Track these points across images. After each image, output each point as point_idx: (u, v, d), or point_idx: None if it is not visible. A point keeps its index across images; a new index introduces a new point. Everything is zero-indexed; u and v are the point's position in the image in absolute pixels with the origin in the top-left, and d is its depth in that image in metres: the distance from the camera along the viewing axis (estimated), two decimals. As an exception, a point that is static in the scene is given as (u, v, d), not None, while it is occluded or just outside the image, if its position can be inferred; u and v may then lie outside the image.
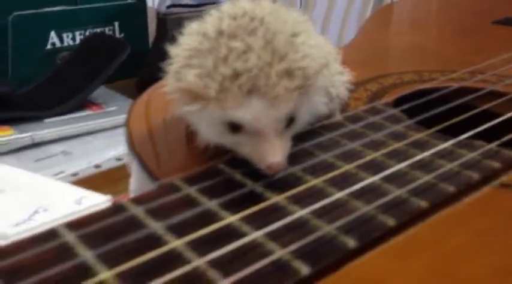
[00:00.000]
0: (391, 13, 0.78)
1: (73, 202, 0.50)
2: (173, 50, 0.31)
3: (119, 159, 0.64)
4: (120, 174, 0.64)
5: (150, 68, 0.90)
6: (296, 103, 0.28)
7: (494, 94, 0.43)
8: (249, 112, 0.27)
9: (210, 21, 0.30)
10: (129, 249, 0.22)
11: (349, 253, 0.24)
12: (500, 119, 0.36)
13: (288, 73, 0.27)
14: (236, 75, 0.27)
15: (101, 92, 0.78)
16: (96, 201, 0.48)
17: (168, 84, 0.31)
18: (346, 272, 0.23)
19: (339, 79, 0.35)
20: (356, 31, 0.70)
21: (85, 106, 0.73)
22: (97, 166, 0.62)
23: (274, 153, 0.27)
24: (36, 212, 0.49)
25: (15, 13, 0.77)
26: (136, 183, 0.34)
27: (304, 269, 0.22)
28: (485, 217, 0.27)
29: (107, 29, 0.87)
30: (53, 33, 0.81)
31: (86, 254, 0.22)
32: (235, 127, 0.28)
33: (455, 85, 0.44)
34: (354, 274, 0.23)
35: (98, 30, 0.86)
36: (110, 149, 0.65)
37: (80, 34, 0.84)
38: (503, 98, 0.42)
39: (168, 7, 0.90)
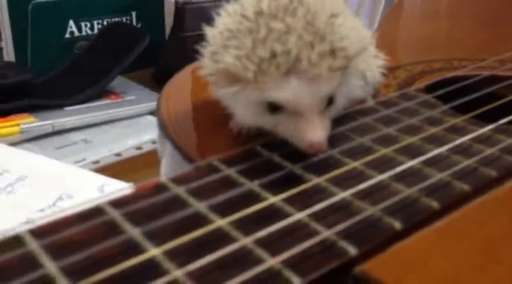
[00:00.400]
0: (417, 2, 0.77)
1: (95, 189, 0.50)
2: (210, 31, 0.30)
3: (138, 148, 0.64)
4: (140, 163, 0.64)
5: (168, 59, 0.90)
6: (336, 84, 0.28)
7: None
8: (289, 91, 0.27)
9: (248, 1, 0.30)
10: (175, 228, 0.22)
11: (395, 234, 0.23)
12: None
13: (330, 54, 0.27)
14: (274, 55, 0.27)
15: (118, 82, 0.78)
16: (118, 188, 0.48)
17: (205, 66, 0.30)
18: (393, 252, 0.22)
19: (374, 63, 0.35)
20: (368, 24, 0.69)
21: (104, 95, 0.73)
22: (117, 154, 0.61)
23: (315, 132, 0.27)
24: (60, 198, 0.49)
25: (34, 1, 0.77)
26: (169, 168, 0.34)
27: (352, 250, 0.22)
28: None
29: (124, 19, 0.87)
30: (71, 22, 0.81)
31: (133, 231, 0.22)
32: (274, 108, 0.28)
33: (486, 73, 0.44)
34: (400, 254, 0.22)
35: (116, 19, 0.85)
36: (129, 138, 0.65)
37: (98, 23, 0.84)
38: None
39: (186, -3, 0.89)
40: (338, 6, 0.30)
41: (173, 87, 0.41)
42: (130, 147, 0.63)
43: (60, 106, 0.68)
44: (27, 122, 0.63)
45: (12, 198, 0.48)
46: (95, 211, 0.23)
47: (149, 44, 0.78)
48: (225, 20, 0.30)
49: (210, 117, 0.35)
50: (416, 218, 0.24)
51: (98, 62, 0.77)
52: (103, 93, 0.73)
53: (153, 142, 0.62)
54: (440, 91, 0.38)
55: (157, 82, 0.83)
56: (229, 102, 0.31)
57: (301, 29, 0.27)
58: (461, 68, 0.46)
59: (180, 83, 0.43)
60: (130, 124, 0.69)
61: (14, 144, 0.60)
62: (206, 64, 0.30)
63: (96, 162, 0.59)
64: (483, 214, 0.26)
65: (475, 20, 0.66)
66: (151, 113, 0.71)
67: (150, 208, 0.23)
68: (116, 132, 0.67)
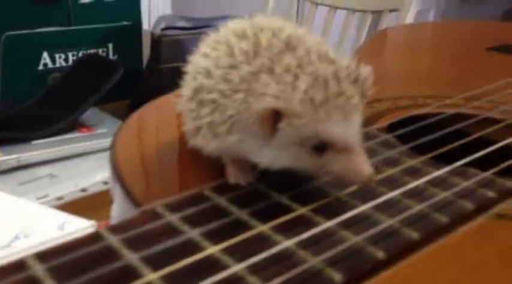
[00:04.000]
0: (387, 39, 0.78)
1: (55, 227, 0.49)
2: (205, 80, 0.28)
3: (106, 183, 0.62)
4: (107, 199, 0.62)
5: (144, 90, 0.89)
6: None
7: (489, 121, 0.42)
8: (339, 127, 0.26)
9: (232, 41, 0.29)
10: (102, 282, 0.21)
11: (337, 287, 0.22)
12: (496, 147, 0.35)
13: (354, 81, 0.27)
14: (318, 89, 0.25)
15: (92, 114, 0.77)
16: (80, 226, 0.46)
17: (188, 116, 0.29)
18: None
19: None
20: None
21: (75, 128, 0.72)
22: (83, 190, 0.60)
23: (367, 164, 0.27)
24: (16, 238, 0.47)
25: (8, 33, 0.76)
26: (119, 209, 0.33)
27: (288, 306, 0.21)
28: (479, 250, 0.26)
29: (100, 50, 0.87)
30: (45, 54, 0.81)
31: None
32: (321, 147, 0.26)
33: (450, 111, 0.44)
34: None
35: (92, 51, 0.85)
36: (98, 172, 0.64)
37: (73, 55, 0.84)
38: (498, 125, 0.41)
39: (163, 29, 0.90)
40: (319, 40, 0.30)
41: (130, 126, 0.41)
42: (97, 181, 0.62)
43: (27, 140, 0.67)
44: (-8, 156, 0.62)
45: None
46: (18, 265, 0.21)
47: (126, 75, 0.77)
48: (206, 62, 0.29)
49: (165, 162, 0.34)
50: (360, 269, 0.23)
51: (70, 93, 0.76)
52: (74, 125, 0.72)
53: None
54: (401, 131, 0.38)
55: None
56: (243, 148, 0.28)
57: (316, 59, 0.27)
58: (426, 105, 0.46)
59: (138, 123, 0.43)
60: (100, 157, 0.68)
61: (-24, 179, 0.59)
62: (192, 115, 0.29)
63: (60, 198, 0.58)
64: (431, 263, 0.25)
65: (443, 57, 0.66)
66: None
67: (78, 260, 0.22)
68: (85, 166, 0.66)
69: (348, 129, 0.26)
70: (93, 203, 0.58)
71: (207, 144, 0.29)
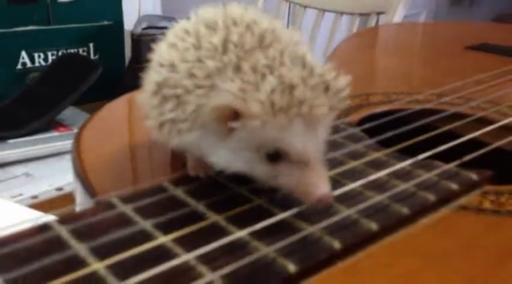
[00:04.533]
0: (369, 36, 0.78)
1: (20, 225, 0.48)
2: (159, 68, 0.27)
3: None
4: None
5: (124, 90, 0.89)
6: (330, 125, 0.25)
7: (458, 116, 0.42)
8: (297, 137, 0.24)
9: (201, 33, 0.27)
10: (47, 272, 0.20)
11: (290, 276, 0.22)
12: (460, 140, 0.35)
13: (325, 90, 0.24)
14: (282, 92, 0.23)
15: (72, 113, 0.77)
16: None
17: (149, 105, 0.27)
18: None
19: None
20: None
21: (52, 127, 0.72)
22: (58, 189, 0.59)
23: (324, 184, 0.24)
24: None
25: (-15, 32, 0.76)
26: (80, 205, 0.32)
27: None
28: (440, 241, 0.26)
29: (81, 50, 0.86)
30: (23, 53, 0.80)
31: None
32: (275, 156, 0.24)
33: (418, 106, 0.43)
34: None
35: (72, 51, 0.84)
36: (74, 171, 0.63)
37: (53, 55, 0.83)
38: (465, 120, 0.41)
39: (144, 29, 0.89)
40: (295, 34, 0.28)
41: (91, 126, 0.40)
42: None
43: (3, 139, 0.66)
44: (-34, 155, 0.61)
45: None
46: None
47: (107, 75, 0.77)
48: (172, 53, 0.27)
49: (126, 157, 0.34)
50: (316, 259, 0.23)
51: (49, 92, 0.75)
52: (51, 125, 0.72)
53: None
54: (368, 125, 0.38)
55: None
56: (202, 146, 0.27)
57: (289, 62, 0.25)
58: (397, 101, 0.45)
59: (100, 123, 0.42)
60: (77, 157, 0.68)
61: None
62: (152, 104, 0.27)
63: (35, 196, 0.57)
64: (391, 253, 0.25)
65: (420, 56, 0.66)
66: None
67: (23, 251, 0.22)
68: (60, 165, 0.65)
69: (306, 140, 0.24)
70: (68, 202, 0.57)
71: (169, 140, 0.28)
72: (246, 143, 0.24)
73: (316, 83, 0.24)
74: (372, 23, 1.02)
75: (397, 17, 1.00)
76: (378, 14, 1.03)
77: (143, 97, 0.29)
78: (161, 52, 0.28)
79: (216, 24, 0.27)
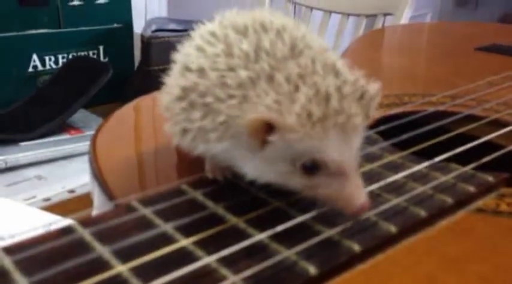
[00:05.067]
0: (378, 37, 0.78)
1: (42, 228, 0.48)
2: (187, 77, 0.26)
3: (95, 184, 0.62)
4: (95, 199, 0.62)
5: (134, 92, 0.89)
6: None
7: (471, 119, 0.42)
8: (334, 149, 0.23)
9: (232, 41, 0.26)
10: (71, 275, 0.21)
11: (311, 279, 0.22)
12: (476, 142, 0.35)
13: (359, 98, 0.24)
14: (317, 103, 0.23)
15: (82, 116, 0.77)
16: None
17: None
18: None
19: None
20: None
21: (63, 130, 0.72)
22: (71, 191, 0.60)
23: (362, 194, 0.24)
24: (1, 239, 0.47)
25: (-4, 35, 0.76)
26: (98, 206, 0.32)
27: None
28: (458, 244, 0.26)
29: (91, 53, 0.87)
30: (34, 56, 0.80)
31: (21, 281, 0.20)
32: (312, 167, 0.24)
33: (432, 109, 0.43)
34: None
35: (82, 53, 0.85)
36: (86, 174, 0.63)
37: (63, 57, 0.83)
38: (479, 122, 0.41)
39: (154, 32, 0.90)
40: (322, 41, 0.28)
41: (109, 128, 0.40)
42: (85, 183, 0.61)
43: (15, 142, 0.66)
44: (-21, 158, 0.62)
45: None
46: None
47: (117, 78, 0.77)
48: (200, 58, 0.26)
49: (144, 160, 0.34)
50: (336, 262, 0.23)
51: (59, 95, 0.76)
52: (62, 127, 0.72)
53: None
54: (383, 127, 0.38)
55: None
56: (231, 156, 0.26)
57: (321, 70, 0.24)
58: (411, 103, 0.45)
59: (120, 119, 0.42)
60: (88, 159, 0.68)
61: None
62: (176, 111, 0.27)
63: (48, 199, 0.58)
64: (409, 257, 0.25)
65: (431, 57, 0.66)
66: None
67: (47, 253, 0.22)
68: (73, 167, 0.65)
69: (344, 151, 0.24)
70: (81, 204, 0.58)
71: (194, 147, 0.27)
72: (281, 155, 0.24)
73: (350, 92, 0.24)
74: (379, 24, 1.02)
75: (404, 18, 1.00)
76: (385, 15, 1.03)
77: (167, 100, 0.28)
78: (187, 55, 0.27)
79: (245, 29, 0.26)
